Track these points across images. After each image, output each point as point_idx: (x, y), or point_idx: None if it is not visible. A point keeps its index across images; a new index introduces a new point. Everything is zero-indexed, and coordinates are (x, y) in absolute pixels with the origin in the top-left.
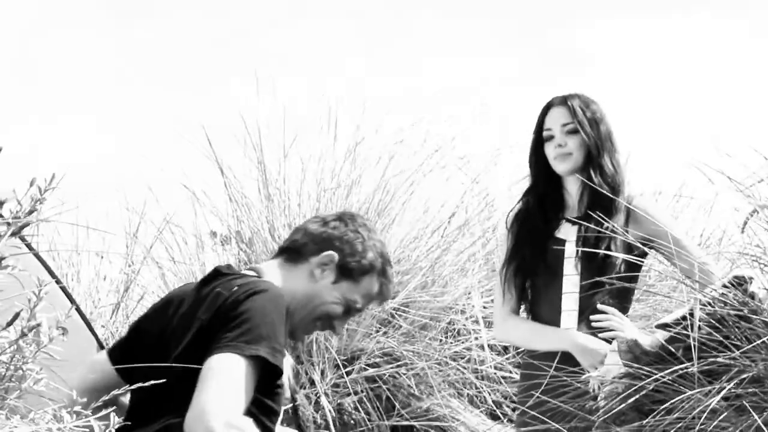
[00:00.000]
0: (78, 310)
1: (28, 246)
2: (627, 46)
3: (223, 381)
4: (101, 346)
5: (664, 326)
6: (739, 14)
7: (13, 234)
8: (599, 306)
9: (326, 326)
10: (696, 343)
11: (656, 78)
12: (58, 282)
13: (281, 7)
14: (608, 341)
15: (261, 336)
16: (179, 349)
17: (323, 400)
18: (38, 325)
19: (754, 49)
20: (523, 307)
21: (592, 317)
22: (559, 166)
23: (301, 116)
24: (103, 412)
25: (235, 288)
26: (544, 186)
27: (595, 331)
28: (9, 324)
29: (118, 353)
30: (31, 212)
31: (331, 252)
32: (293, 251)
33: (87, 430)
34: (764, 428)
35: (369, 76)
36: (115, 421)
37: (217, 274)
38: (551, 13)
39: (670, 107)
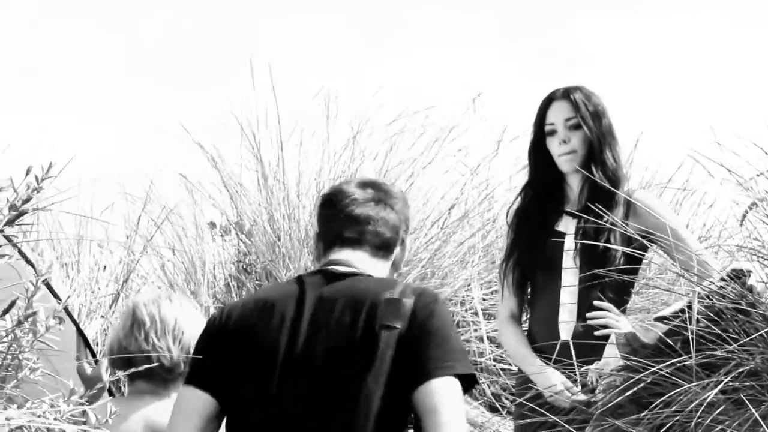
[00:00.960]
0: (59, 301)
1: (9, 241)
2: (628, 44)
3: (456, 408)
4: (84, 340)
5: (662, 319)
6: (743, 14)
7: (9, 223)
8: (596, 303)
9: None
10: (694, 336)
11: (658, 74)
12: (38, 275)
13: None
14: (603, 339)
15: (462, 350)
16: (367, 360)
17: None
18: (34, 313)
19: (756, 44)
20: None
21: (588, 315)
22: (565, 165)
23: (300, 107)
24: (100, 402)
25: (410, 294)
26: (545, 180)
27: (591, 327)
28: (5, 312)
29: (218, 381)
30: (26, 201)
31: (406, 243)
32: (383, 247)
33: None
34: (761, 421)
35: (368, 66)
36: (111, 410)
37: (336, 273)
38: (551, 9)
39: (672, 103)
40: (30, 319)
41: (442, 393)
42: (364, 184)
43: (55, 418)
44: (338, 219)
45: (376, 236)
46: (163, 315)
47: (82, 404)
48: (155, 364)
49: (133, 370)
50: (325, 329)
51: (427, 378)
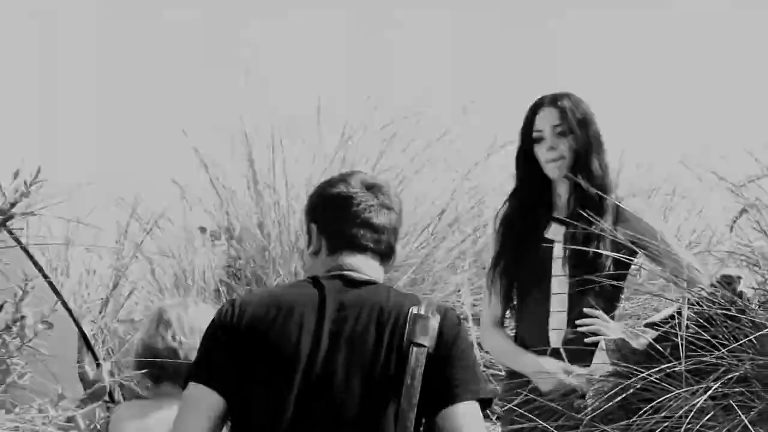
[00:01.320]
0: (65, 305)
1: (16, 239)
2: (627, 43)
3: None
4: (86, 343)
5: (652, 325)
6: (744, 13)
7: None
8: (585, 310)
9: None
10: (684, 342)
11: (657, 74)
12: (44, 276)
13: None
14: (593, 345)
15: (482, 375)
16: (396, 377)
17: None
18: (23, 317)
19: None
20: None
21: (578, 321)
22: (553, 172)
23: (292, 111)
24: (90, 406)
25: (435, 312)
26: (533, 186)
27: (581, 334)
28: None
29: (228, 380)
30: (13, 205)
31: (396, 248)
32: (388, 255)
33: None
34: (750, 428)
35: (364, 69)
36: (100, 415)
37: (355, 280)
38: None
39: (669, 103)
40: (18, 324)
41: (466, 416)
42: (371, 187)
43: (43, 423)
44: (353, 223)
45: (388, 246)
46: (190, 316)
47: (72, 409)
48: (181, 361)
49: (158, 369)
50: (349, 340)
51: (453, 401)
